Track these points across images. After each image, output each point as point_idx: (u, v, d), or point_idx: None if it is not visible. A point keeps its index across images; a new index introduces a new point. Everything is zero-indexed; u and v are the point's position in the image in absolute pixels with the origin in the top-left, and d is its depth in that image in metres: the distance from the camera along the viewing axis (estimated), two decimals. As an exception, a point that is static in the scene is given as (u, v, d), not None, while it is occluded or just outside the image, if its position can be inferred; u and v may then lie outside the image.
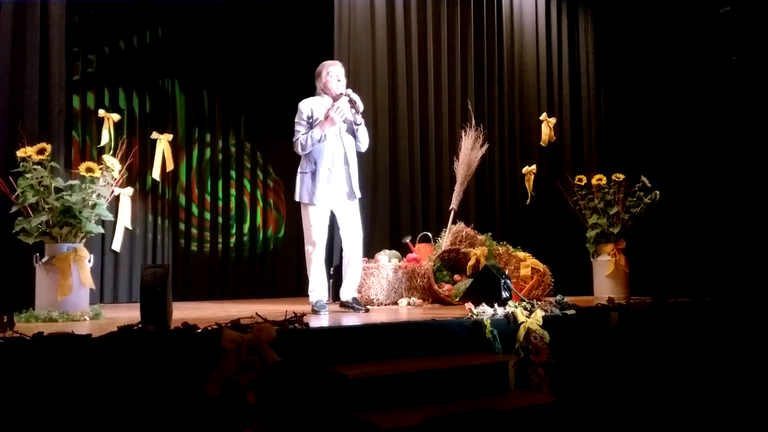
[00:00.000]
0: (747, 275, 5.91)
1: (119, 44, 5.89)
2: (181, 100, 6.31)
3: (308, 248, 4.08)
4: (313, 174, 4.03)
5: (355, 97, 4.11)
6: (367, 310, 4.07)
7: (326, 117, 3.99)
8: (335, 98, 4.12)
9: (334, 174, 4.06)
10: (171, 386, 2.35)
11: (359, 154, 4.33)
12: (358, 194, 4.19)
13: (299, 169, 4.13)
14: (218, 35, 6.45)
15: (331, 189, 4.05)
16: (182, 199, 6.24)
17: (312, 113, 4.07)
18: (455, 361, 3.06)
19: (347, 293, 4.16)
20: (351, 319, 3.50)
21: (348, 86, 4.25)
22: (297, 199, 4.10)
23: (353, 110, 4.09)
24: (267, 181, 6.88)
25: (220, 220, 6.48)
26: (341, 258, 4.34)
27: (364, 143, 4.26)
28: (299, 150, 4.08)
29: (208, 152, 6.45)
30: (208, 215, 6.38)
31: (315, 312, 3.87)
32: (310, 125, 4.04)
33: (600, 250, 5.50)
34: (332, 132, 4.06)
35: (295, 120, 4.11)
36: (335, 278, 4.98)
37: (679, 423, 3.94)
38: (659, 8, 6.98)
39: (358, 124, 4.15)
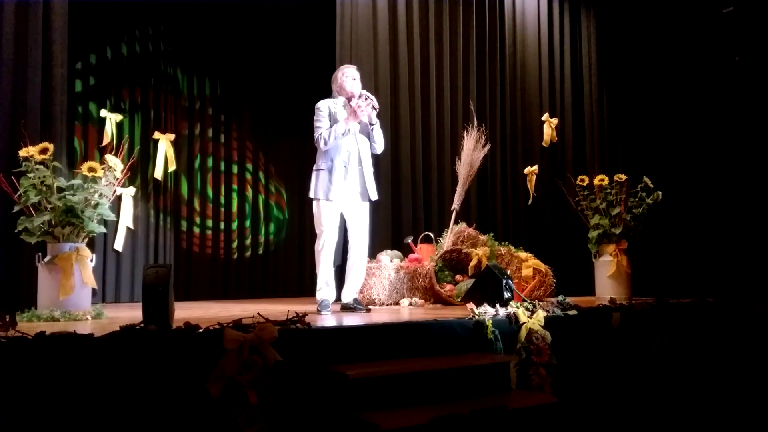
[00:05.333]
0: (749, 276, 5.90)
1: (121, 42, 5.89)
2: (183, 99, 6.31)
3: (318, 246, 4.08)
4: (330, 171, 4.04)
5: (371, 96, 4.12)
6: (368, 310, 4.07)
7: (351, 110, 4.00)
8: (351, 98, 4.13)
9: (350, 172, 4.07)
10: (173, 386, 2.35)
11: (374, 156, 4.32)
12: (374, 196, 4.19)
13: (315, 167, 4.13)
14: (221, 34, 6.46)
15: (345, 187, 4.06)
16: (184, 199, 6.25)
17: (330, 110, 4.10)
18: (457, 362, 3.05)
19: (348, 295, 4.16)
20: (353, 319, 3.49)
21: None
22: (311, 195, 4.11)
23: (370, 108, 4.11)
24: (269, 181, 6.88)
25: (222, 219, 6.48)
26: (344, 258, 4.33)
27: (380, 144, 4.25)
28: (322, 145, 4.06)
29: (210, 152, 6.46)
30: (210, 215, 6.39)
31: (317, 312, 3.87)
32: (330, 122, 4.06)
33: (602, 250, 5.49)
34: None
35: (315, 119, 4.12)
36: (337, 278, 4.97)
37: (680, 424, 3.94)
38: (662, 9, 6.98)
39: (373, 124, 4.16)
